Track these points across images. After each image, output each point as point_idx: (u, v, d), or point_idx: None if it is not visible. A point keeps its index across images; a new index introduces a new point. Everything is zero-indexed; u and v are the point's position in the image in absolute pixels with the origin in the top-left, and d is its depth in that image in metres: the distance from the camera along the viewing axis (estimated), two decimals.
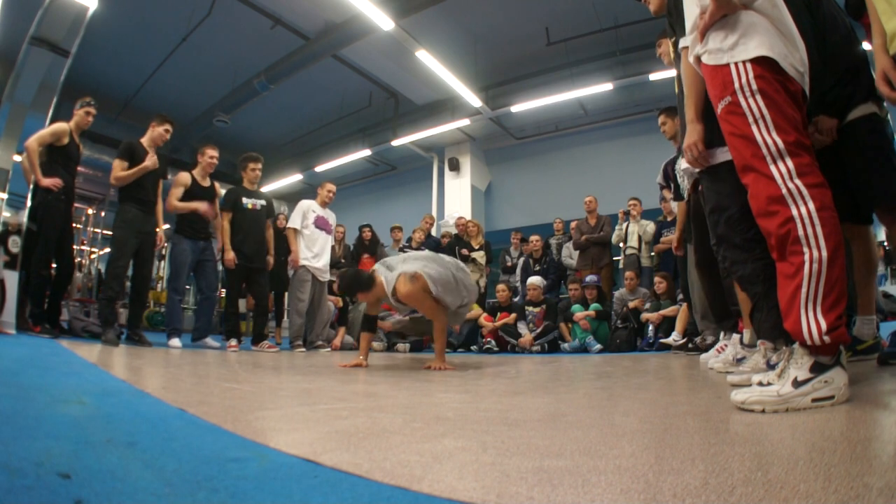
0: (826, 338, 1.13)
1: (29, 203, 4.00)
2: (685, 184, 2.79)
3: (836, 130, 1.92)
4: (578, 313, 5.34)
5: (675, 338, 4.40)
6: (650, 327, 4.95)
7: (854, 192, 1.93)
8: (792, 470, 0.67)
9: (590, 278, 5.62)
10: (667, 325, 4.78)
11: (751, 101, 1.27)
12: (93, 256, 11.64)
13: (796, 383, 1.15)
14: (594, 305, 5.40)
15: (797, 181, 1.20)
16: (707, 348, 3.26)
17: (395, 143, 9.51)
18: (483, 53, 7.85)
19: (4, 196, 4.04)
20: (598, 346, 5.11)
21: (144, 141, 4.14)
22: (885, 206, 1.90)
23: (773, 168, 1.23)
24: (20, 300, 3.80)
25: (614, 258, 6.35)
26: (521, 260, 6.62)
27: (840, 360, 1.17)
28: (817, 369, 1.16)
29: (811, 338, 1.15)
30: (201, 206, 4.27)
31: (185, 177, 4.38)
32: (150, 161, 3.98)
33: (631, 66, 7.42)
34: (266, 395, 1.54)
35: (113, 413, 1.12)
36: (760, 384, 1.20)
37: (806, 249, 1.17)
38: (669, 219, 5.06)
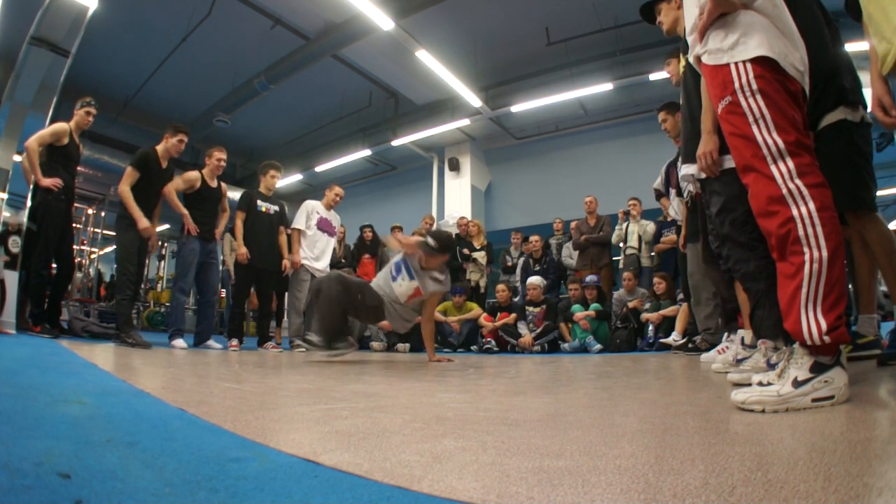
0: (826, 338, 1.13)
1: (29, 203, 4.01)
2: (690, 188, 2.79)
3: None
4: (578, 313, 5.34)
5: (674, 338, 4.40)
6: (650, 327, 4.95)
7: None
8: (792, 470, 0.67)
9: (590, 278, 5.62)
10: (667, 325, 4.78)
11: (751, 100, 1.26)
12: (93, 256, 11.64)
13: (796, 383, 1.15)
14: (594, 305, 5.40)
15: (797, 181, 1.20)
16: (709, 348, 3.27)
17: (395, 143, 9.51)
18: (483, 53, 7.85)
19: (4, 196, 4.04)
20: (598, 346, 5.11)
21: (159, 150, 4.14)
22: (852, 210, 1.94)
23: (773, 168, 1.23)
24: (20, 300, 3.81)
25: (614, 258, 6.35)
26: (521, 260, 6.62)
27: (840, 359, 1.17)
28: (817, 369, 1.15)
29: (811, 338, 1.15)
30: (189, 222, 4.21)
31: (194, 175, 4.38)
32: (148, 230, 3.97)
33: (631, 66, 7.41)
34: (266, 395, 1.54)
35: (113, 413, 1.12)
36: (760, 384, 1.20)
37: (806, 249, 1.17)
38: (669, 219, 5.06)
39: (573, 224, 6.45)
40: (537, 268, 6.35)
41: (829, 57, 1.96)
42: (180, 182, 4.30)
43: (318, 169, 10.71)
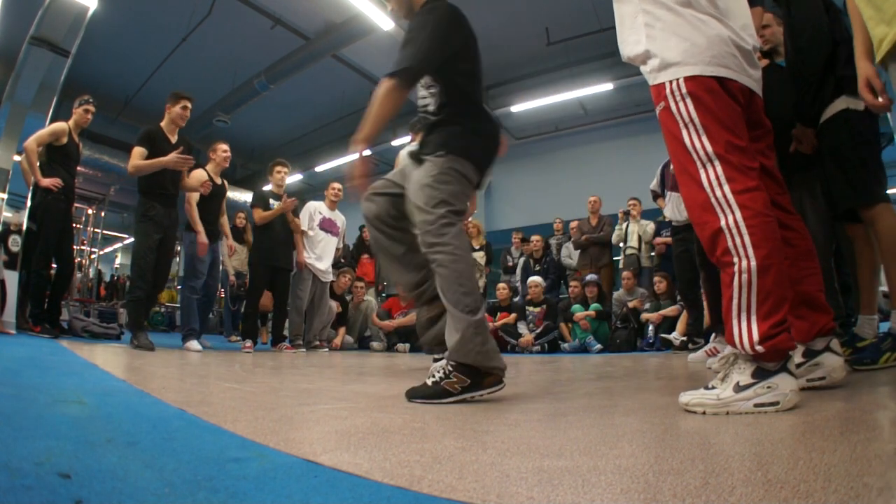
0: (759, 347, 1.12)
1: (29, 203, 4.00)
2: None
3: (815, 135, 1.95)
4: (579, 313, 5.34)
5: (675, 336, 4.40)
6: (650, 327, 4.95)
7: (832, 193, 1.94)
8: (792, 470, 0.67)
9: (590, 277, 5.62)
10: (667, 325, 4.78)
11: (680, 104, 1.23)
12: (93, 256, 11.64)
13: (737, 388, 1.14)
14: (594, 305, 5.40)
15: (725, 188, 1.18)
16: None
17: (395, 143, 9.51)
18: (483, 53, 7.80)
19: (4, 196, 4.04)
20: (599, 346, 5.10)
21: (164, 125, 3.78)
22: (860, 203, 1.89)
23: (702, 173, 1.21)
24: (20, 300, 3.80)
25: (614, 258, 6.35)
26: (522, 260, 6.62)
27: (787, 366, 1.15)
28: (759, 375, 1.14)
29: (742, 347, 1.14)
30: (203, 238, 4.04)
31: (201, 175, 4.21)
32: (173, 157, 3.54)
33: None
34: (266, 395, 1.54)
35: (113, 413, 1.12)
36: (706, 387, 1.19)
37: (735, 259, 1.16)
38: (667, 220, 5.06)
39: (574, 223, 6.45)
40: (537, 268, 6.35)
41: (826, 47, 1.91)
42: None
43: (318, 169, 10.71)
